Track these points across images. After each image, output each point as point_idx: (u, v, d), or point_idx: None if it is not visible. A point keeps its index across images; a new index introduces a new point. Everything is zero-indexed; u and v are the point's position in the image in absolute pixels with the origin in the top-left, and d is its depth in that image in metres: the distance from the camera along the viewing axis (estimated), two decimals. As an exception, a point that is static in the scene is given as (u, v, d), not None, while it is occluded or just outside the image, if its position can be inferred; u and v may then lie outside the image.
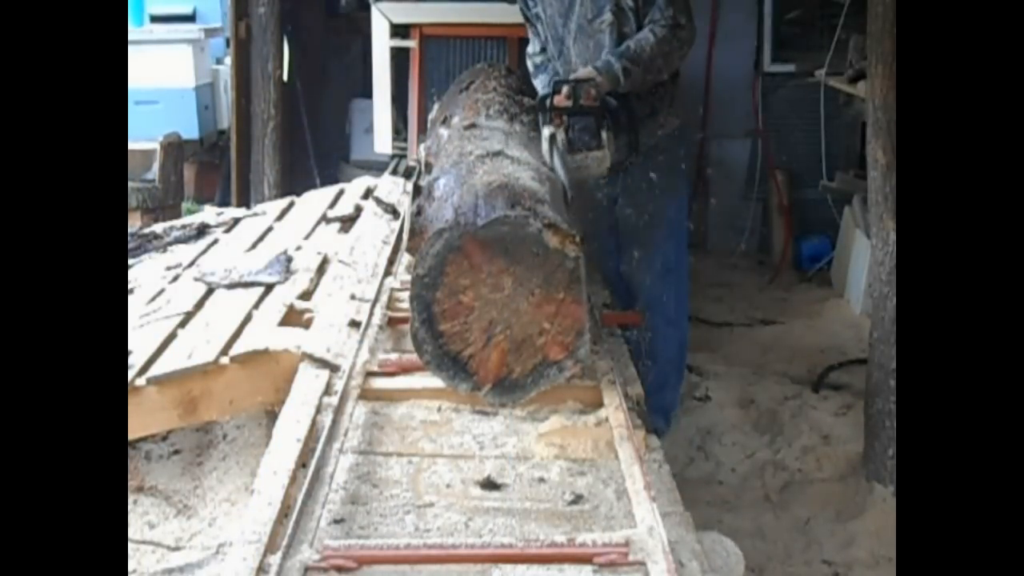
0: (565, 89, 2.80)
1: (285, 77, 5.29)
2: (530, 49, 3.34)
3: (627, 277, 3.22)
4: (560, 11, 3.06)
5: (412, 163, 4.34)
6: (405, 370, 2.30)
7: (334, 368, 2.29)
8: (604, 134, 2.81)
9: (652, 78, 2.94)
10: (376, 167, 5.11)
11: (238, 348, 2.47)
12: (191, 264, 3.36)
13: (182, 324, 2.73)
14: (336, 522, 1.75)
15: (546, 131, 2.81)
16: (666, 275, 3.18)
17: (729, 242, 5.42)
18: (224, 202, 5.24)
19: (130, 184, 4.96)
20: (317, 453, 1.87)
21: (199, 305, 2.88)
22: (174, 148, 5.21)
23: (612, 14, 2.96)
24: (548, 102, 2.84)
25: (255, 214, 4.11)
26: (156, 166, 5.16)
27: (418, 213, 2.60)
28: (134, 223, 4.70)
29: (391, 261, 3.02)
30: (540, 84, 3.26)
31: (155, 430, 2.61)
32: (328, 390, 2.19)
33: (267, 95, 5.09)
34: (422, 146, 3.55)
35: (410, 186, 3.37)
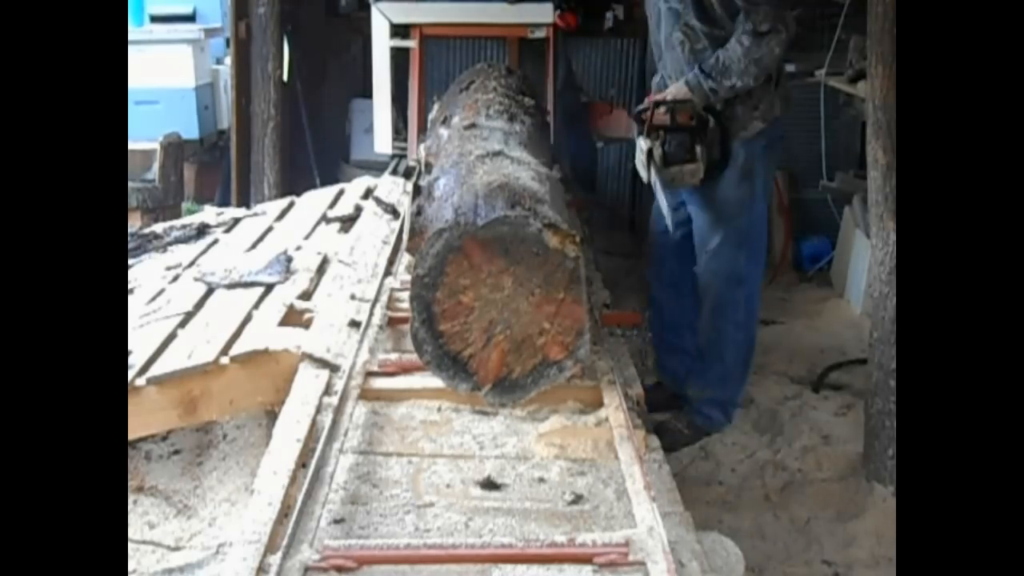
0: (663, 108, 2.98)
1: (285, 77, 5.29)
2: None
3: (700, 280, 3.24)
4: (656, 23, 3.20)
5: (412, 163, 4.34)
6: (405, 370, 2.30)
7: (334, 368, 2.29)
8: (698, 149, 2.96)
9: (744, 84, 2.97)
10: (376, 167, 5.11)
11: (238, 348, 2.47)
12: (191, 264, 3.36)
13: (182, 324, 2.73)
14: (336, 522, 1.76)
15: (643, 143, 2.99)
16: (736, 284, 3.17)
17: (729, 242, 5.40)
18: (224, 202, 5.23)
19: (130, 184, 4.96)
20: (317, 453, 1.87)
21: (199, 305, 2.88)
22: (174, 148, 5.21)
23: (682, 33, 3.05)
24: (648, 115, 3.00)
25: (255, 214, 4.11)
26: (156, 166, 5.16)
27: (418, 213, 2.60)
28: (134, 223, 4.70)
29: (391, 261, 3.02)
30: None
31: (155, 430, 2.61)
32: (328, 390, 2.19)
33: (267, 95, 5.08)
34: (422, 146, 3.55)
35: (410, 186, 3.38)
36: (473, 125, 2.95)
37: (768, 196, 3.25)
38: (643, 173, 3.04)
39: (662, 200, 3.08)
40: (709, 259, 3.17)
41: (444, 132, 3.22)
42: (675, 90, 3.02)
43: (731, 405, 3.38)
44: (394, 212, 3.57)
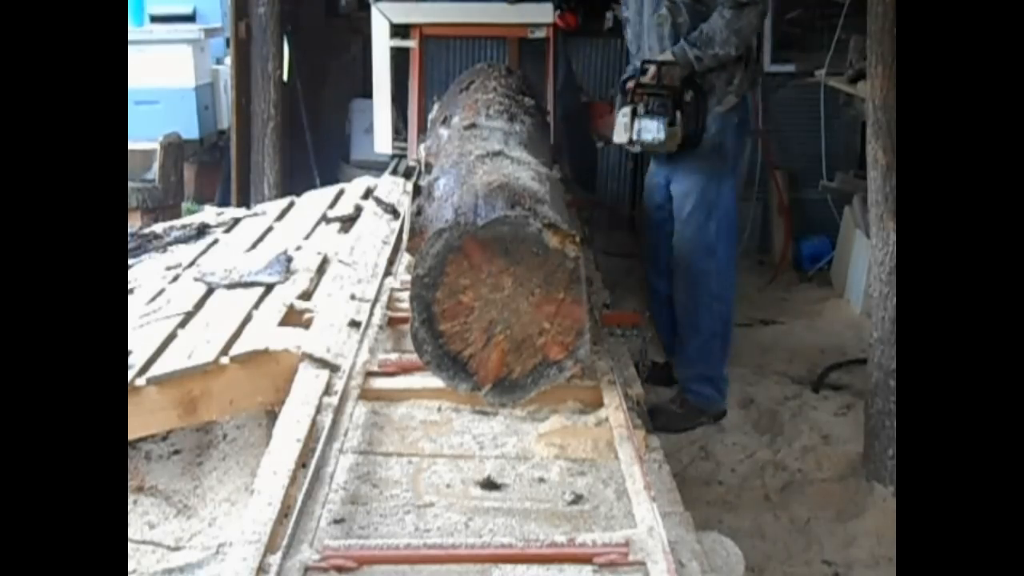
0: (652, 69, 3.16)
1: (285, 77, 5.29)
2: None
3: (675, 250, 3.42)
4: (637, 9, 3.38)
5: (412, 163, 4.34)
6: (405, 370, 2.30)
7: (334, 368, 2.29)
8: (678, 114, 3.14)
9: (725, 54, 3.18)
10: (376, 167, 5.11)
11: (238, 348, 2.47)
12: (191, 264, 3.36)
13: (182, 324, 2.73)
14: (336, 522, 1.76)
15: (626, 108, 3.16)
16: (708, 254, 3.35)
17: (729, 242, 5.41)
18: (224, 202, 5.23)
19: (130, 184, 4.96)
20: (317, 453, 1.87)
21: (199, 305, 2.88)
22: (174, 148, 5.21)
23: (667, 9, 3.24)
24: (632, 83, 3.17)
25: (255, 214, 4.11)
26: (156, 166, 5.15)
27: (418, 213, 2.61)
28: (134, 223, 4.70)
29: (391, 261, 3.02)
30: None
31: (155, 430, 2.61)
32: (328, 390, 2.19)
33: (267, 95, 5.09)
34: (422, 146, 3.55)
35: (410, 186, 3.38)
36: (473, 125, 2.95)
37: (740, 174, 3.48)
38: (622, 136, 3.18)
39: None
40: (682, 228, 3.37)
41: (444, 132, 3.22)
42: (661, 58, 3.20)
43: (720, 381, 3.47)
44: (394, 212, 3.57)
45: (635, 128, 3.13)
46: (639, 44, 3.39)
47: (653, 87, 3.14)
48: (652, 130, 3.12)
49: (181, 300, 2.93)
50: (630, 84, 3.21)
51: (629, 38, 3.48)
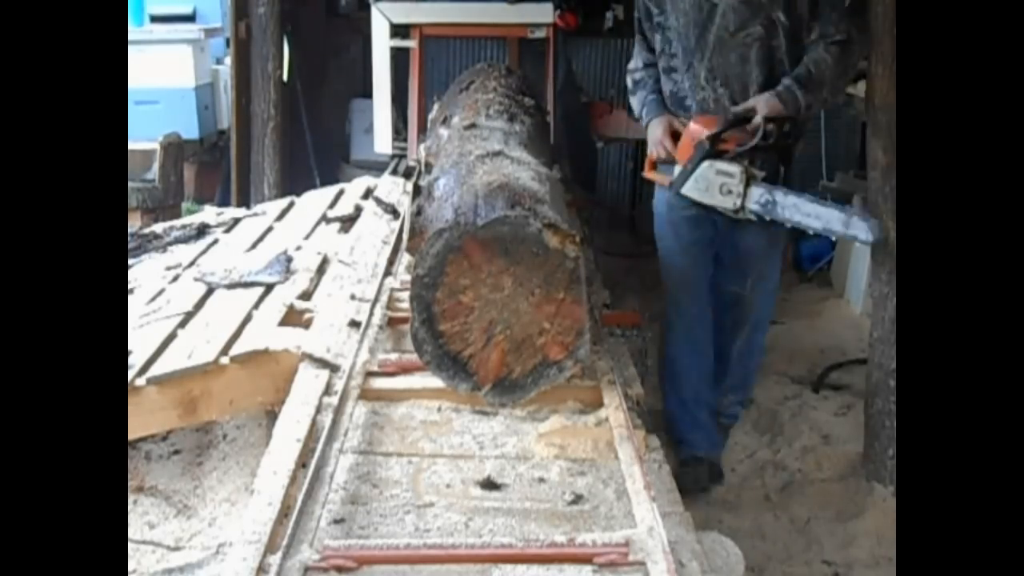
0: (760, 121, 2.66)
1: (285, 77, 5.29)
2: (632, 64, 3.07)
3: (738, 297, 3.07)
4: (697, 21, 2.78)
5: (412, 163, 4.35)
6: (405, 370, 2.30)
7: (334, 368, 2.29)
8: (782, 170, 2.79)
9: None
10: (376, 167, 5.11)
11: (238, 348, 2.47)
12: (191, 264, 3.36)
13: (182, 324, 2.73)
14: (336, 522, 1.76)
15: (729, 167, 2.70)
16: (773, 295, 3.17)
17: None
18: (224, 202, 5.23)
19: (130, 184, 4.96)
20: (317, 453, 1.87)
21: (199, 305, 2.88)
22: (174, 148, 5.21)
23: (762, 27, 2.72)
24: (732, 136, 2.71)
25: (255, 214, 4.11)
26: (156, 166, 5.16)
27: (418, 213, 2.61)
28: (134, 223, 4.70)
29: (391, 261, 3.02)
30: (636, 102, 3.03)
31: (155, 430, 2.61)
32: (328, 390, 2.19)
33: (267, 95, 5.09)
34: (422, 146, 3.55)
35: (410, 186, 3.38)
36: (473, 125, 2.95)
37: None
38: (718, 198, 2.73)
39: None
40: (761, 282, 3.04)
41: (444, 132, 3.22)
42: (766, 104, 2.70)
43: (747, 398, 3.44)
44: (394, 212, 3.58)
45: (756, 197, 2.70)
46: (690, 61, 2.81)
47: (768, 147, 2.71)
48: (834, 222, 2.62)
49: (181, 300, 2.93)
50: (734, 136, 2.70)
51: (667, 51, 2.88)
